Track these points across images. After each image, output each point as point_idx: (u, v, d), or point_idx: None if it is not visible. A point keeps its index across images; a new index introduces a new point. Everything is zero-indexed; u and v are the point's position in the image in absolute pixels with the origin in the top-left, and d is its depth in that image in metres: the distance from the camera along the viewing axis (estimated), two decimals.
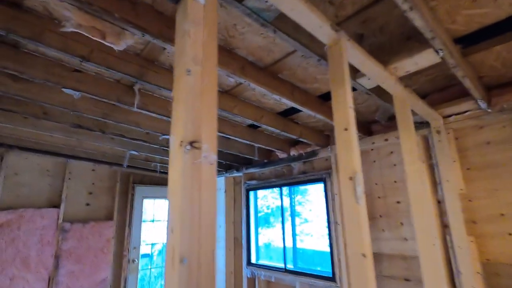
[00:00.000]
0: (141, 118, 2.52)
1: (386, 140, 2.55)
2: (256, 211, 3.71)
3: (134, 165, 4.15)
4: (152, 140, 3.00)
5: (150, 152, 3.40)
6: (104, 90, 1.94)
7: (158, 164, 4.08)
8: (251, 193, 3.74)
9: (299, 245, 3.15)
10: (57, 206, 3.67)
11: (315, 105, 2.12)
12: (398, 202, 2.48)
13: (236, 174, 3.96)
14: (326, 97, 2.17)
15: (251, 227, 3.63)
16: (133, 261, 4.16)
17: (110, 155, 3.85)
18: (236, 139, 2.70)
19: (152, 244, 4.56)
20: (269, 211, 3.57)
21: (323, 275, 2.76)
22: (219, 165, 4.07)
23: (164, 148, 3.13)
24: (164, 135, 2.67)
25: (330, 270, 2.74)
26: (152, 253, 4.52)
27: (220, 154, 3.56)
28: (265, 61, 1.72)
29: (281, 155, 3.24)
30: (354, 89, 1.91)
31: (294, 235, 3.15)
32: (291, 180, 3.19)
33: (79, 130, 2.88)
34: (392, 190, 2.53)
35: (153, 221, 4.58)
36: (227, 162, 3.79)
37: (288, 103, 1.94)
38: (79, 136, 2.90)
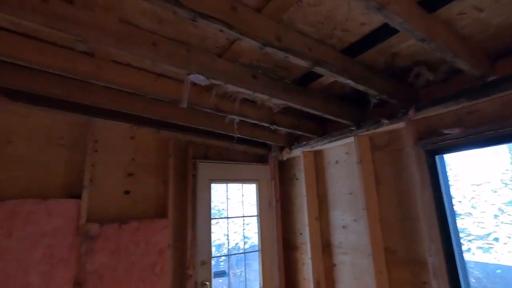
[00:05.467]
0: None
1: None
2: (449, 196, 1.75)
3: (193, 125, 2.46)
4: (259, 32, 1.22)
5: (227, 79, 1.63)
6: None
7: (236, 119, 2.33)
8: (437, 159, 1.78)
9: None
10: (76, 196, 2.15)
11: None
12: None
13: (387, 126, 2.03)
14: None
15: (450, 231, 1.68)
16: (203, 284, 2.52)
17: (156, 103, 2.20)
18: None
19: (229, 256, 2.87)
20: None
21: None
22: (341, 113, 2.18)
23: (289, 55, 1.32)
24: None
25: None
26: (228, 270, 2.85)
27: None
28: None
29: None
30: None
31: None
32: None
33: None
34: None
35: (226, 217, 2.89)
36: (384, 97, 1.84)
37: None
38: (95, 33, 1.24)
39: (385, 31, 1.41)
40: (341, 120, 2.24)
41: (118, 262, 2.14)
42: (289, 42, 1.36)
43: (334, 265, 2.55)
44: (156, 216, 2.48)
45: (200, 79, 1.58)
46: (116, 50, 1.36)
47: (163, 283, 2.29)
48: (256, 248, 3.05)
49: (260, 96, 1.89)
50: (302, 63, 1.45)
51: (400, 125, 1.98)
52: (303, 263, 2.86)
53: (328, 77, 1.78)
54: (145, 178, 2.52)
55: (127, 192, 2.43)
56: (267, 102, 2.22)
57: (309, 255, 2.61)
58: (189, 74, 1.55)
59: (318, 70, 1.51)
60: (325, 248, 2.65)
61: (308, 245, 2.63)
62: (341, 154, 2.57)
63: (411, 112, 1.85)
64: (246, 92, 1.78)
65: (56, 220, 2.00)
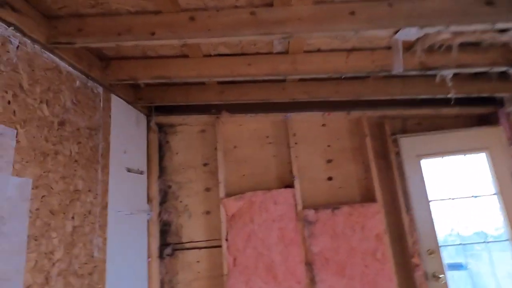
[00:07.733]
0: None
1: None
2: None
3: (388, 97, 2.16)
4: None
5: (449, 19, 1.24)
6: None
7: (449, 74, 1.82)
8: None
9: None
10: (289, 185, 2.38)
11: None
12: None
13: None
14: None
15: None
16: (435, 276, 2.16)
17: (344, 84, 2.09)
18: None
19: (463, 245, 2.34)
20: None
21: None
22: None
23: None
24: None
25: None
26: (465, 262, 2.32)
27: None
28: None
29: None
30: None
31: None
32: None
33: None
34: None
35: (449, 198, 2.37)
36: None
37: None
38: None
39: None
40: None
41: (339, 246, 2.18)
42: None
43: None
44: (362, 201, 2.37)
45: (411, 33, 1.28)
46: (316, 33, 1.32)
47: (388, 271, 2.14)
48: (499, 238, 2.32)
49: (489, 33, 1.35)
50: None
51: None
52: None
53: None
54: (343, 162, 2.47)
55: (330, 178, 2.46)
56: (500, 38, 1.58)
57: None
58: (396, 32, 1.29)
59: None
60: None
61: None
62: None
63: None
64: (479, 29, 1.30)
65: (280, 207, 2.29)
